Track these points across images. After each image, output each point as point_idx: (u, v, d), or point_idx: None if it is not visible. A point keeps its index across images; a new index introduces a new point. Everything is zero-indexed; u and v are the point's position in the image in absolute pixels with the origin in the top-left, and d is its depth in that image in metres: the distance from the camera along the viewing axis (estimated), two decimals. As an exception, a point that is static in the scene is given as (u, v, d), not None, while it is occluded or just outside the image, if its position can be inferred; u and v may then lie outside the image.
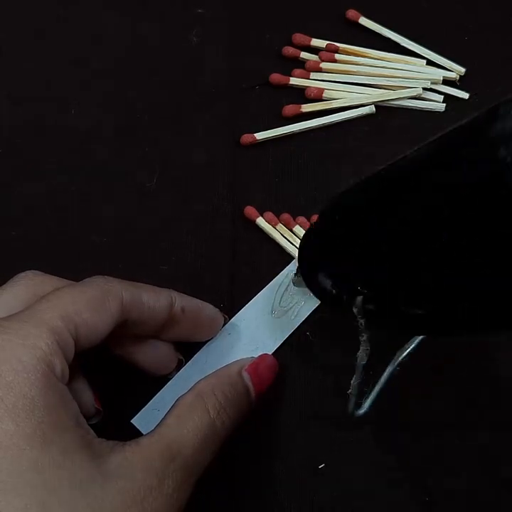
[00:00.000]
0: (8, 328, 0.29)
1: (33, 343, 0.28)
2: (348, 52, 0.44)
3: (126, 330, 0.33)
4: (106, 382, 0.35)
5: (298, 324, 0.39)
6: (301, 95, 0.44)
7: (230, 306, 0.40)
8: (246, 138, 0.43)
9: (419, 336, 0.32)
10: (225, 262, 0.41)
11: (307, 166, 0.43)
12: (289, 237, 0.41)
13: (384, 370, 0.32)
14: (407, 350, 0.32)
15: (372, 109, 0.43)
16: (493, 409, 0.38)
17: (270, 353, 0.38)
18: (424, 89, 0.43)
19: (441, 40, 0.44)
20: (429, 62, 0.44)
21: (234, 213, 0.42)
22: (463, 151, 0.22)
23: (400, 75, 0.44)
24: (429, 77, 0.44)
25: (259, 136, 0.43)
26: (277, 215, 0.41)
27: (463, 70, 0.44)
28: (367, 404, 0.32)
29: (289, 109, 0.43)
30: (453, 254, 0.23)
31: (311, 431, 0.38)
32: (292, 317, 0.39)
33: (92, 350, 0.32)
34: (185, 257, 0.41)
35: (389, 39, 0.45)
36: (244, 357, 0.37)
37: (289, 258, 0.41)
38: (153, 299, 0.34)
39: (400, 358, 0.32)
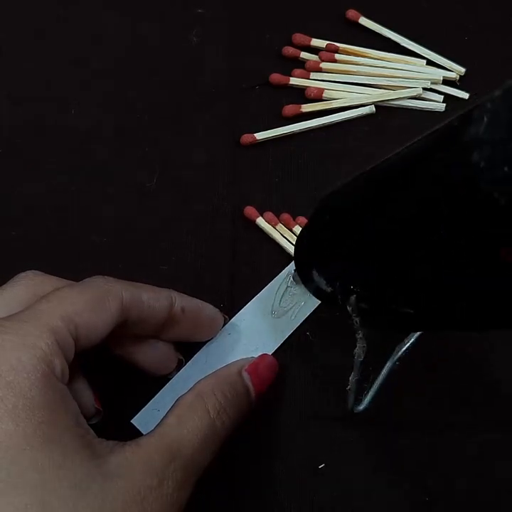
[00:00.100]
0: (8, 328, 0.29)
1: (33, 343, 0.28)
2: (348, 52, 0.44)
3: (126, 330, 0.33)
4: (106, 382, 0.35)
5: (298, 324, 0.39)
6: (301, 95, 0.44)
7: (230, 306, 0.40)
8: (246, 138, 0.43)
9: (415, 332, 0.32)
10: (225, 262, 0.41)
11: (307, 166, 0.43)
12: (289, 237, 0.41)
13: (383, 366, 0.32)
14: (407, 345, 0.32)
15: (372, 109, 0.43)
16: (493, 410, 0.38)
17: (270, 353, 0.38)
18: (424, 89, 0.43)
19: (441, 40, 0.44)
20: (429, 62, 0.44)
21: (234, 213, 0.42)
22: (438, 155, 0.22)
23: (400, 75, 0.44)
24: (429, 77, 0.44)
25: (259, 136, 0.43)
26: (277, 215, 0.41)
27: (463, 70, 0.44)
28: (366, 400, 0.32)
29: (289, 109, 0.43)
30: (437, 254, 0.23)
31: (311, 431, 0.38)
32: (292, 317, 0.39)
33: (92, 350, 0.32)
34: (185, 257, 0.41)
35: (389, 39, 0.45)
36: (244, 357, 0.37)
37: (289, 258, 0.41)
38: (153, 299, 0.34)
39: (399, 353, 0.32)
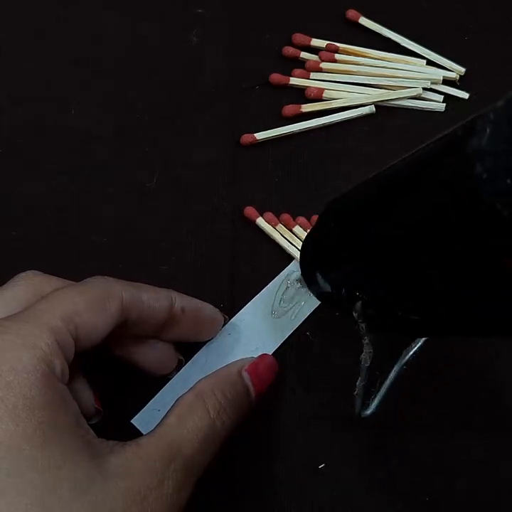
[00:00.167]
0: (9, 328, 0.29)
1: (33, 343, 0.28)
2: (348, 52, 0.44)
3: (126, 330, 0.33)
4: (106, 382, 0.35)
5: (298, 324, 0.39)
6: (301, 95, 0.44)
7: (230, 306, 0.40)
8: (246, 138, 0.43)
9: (421, 338, 0.32)
10: (225, 262, 0.41)
11: (307, 166, 0.43)
12: (289, 238, 0.41)
13: (390, 370, 0.32)
14: (414, 349, 0.32)
15: (372, 109, 0.43)
16: (493, 410, 0.38)
17: (270, 353, 0.38)
18: (424, 89, 0.43)
19: (441, 40, 0.44)
20: (429, 62, 0.44)
21: (234, 213, 0.42)
22: (441, 165, 0.22)
23: (400, 75, 0.44)
24: (429, 77, 0.44)
25: (259, 136, 0.43)
26: (277, 215, 0.41)
27: (463, 70, 0.44)
28: (374, 404, 0.32)
29: (289, 109, 0.43)
30: (442, 262, 0.23)
31: (311, 431, 0.38)
32: (292, 317, 0.39)
33: (92, 350, 0.32)
34: (185, 257, 0.41)
35: (389, 39, 0.45)
36: (244, 357, 0.37)
37: (289, 258, 0.41)
38: (153, 299, 0.34)
39: (406, 358, 0.32)
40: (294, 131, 0.43)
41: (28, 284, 0.33)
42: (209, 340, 0.39)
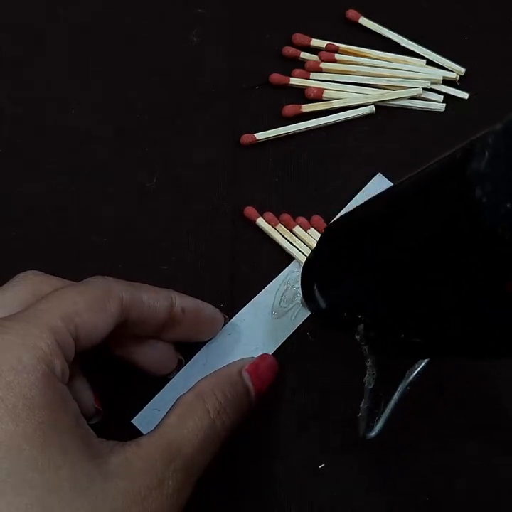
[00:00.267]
0: (9, 328, 0.29)
1: (33, 343, 0.28)
2: (348, 52, 0.44)
3: (127, 330, 0.33)
4: (106, 382, 0.35)
5: (298, 324, 0.39)
6: (301, 95, 0.44)
7: (230, 306, 0.40)
8: (246, 138, 0.43)
9: (424, 359, 0.32)
10: (225, 262, 0.41)
11: (307, 166, 0.43)
12: (289, 238, 0.41)
13: (394, 391, 0.32)
14: (417, 370, 0.32)
15: (372, 109, 0.43)
16: (498, 429, 0.38)
17: (270, 353, 0.38)
18: (424, 89, 0.43)
19: (441, 40, 0.44)
20: (429, 62, 0.44)
21: (234, 213, 0.42)
22: (442, 188, 0.22)
23: (400, 75, 0.44)
24: (429, 77, 0.44)
25: (259, 136, 0.43)
26: (277, 215, 0.41)
27: (463, 70, 0.44)
28: (378, 426, 0.32)
29: (289, 109, 0.43)
30: (444, 285, 0.23)
31: (311, 431, 0.38)
32: (292, 317, 0.39)
33: (92, 350, 0.32)
34: (185, 257, 0.41)
35: (389, 39, 0.45)
36: (245, 357, 0.37)
37: (289, 258, 0.41)
38: (153, 299, 0.34)
39: (410, 378, 0.32)
40: (294, 131, 0.43)
41: (28, 284, 0.33)
42: (209, 340, 0.39)
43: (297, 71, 0.44)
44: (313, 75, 0.44)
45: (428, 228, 0.23)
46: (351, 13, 0.45)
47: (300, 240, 0.41)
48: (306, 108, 0.43)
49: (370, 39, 0.45)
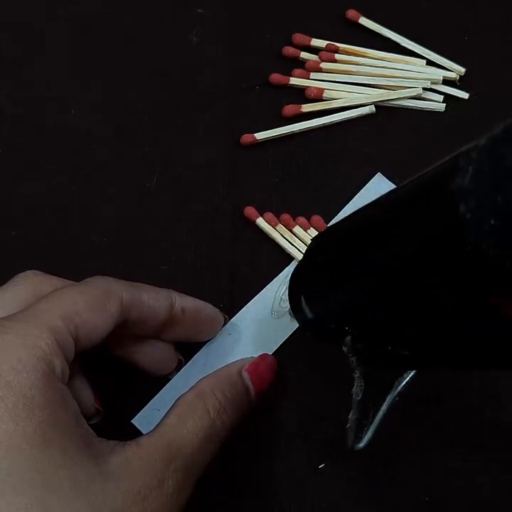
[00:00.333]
0: (9, 328, 0.29)
1: (33, 343, 0.28)
2: (348, 52, 0.44)
3: (127, 330, 0.33)
4: (106, 382, 0.35)
5: (298, 324, 0.39)
6: (301, 95, 0.44)
7: (230, 306, 0.40)
8: (246, 138, 0.43)
9: (412, 370, 0.32)
10: (225, 262, 0.41)
11: (307, 166, 0.43)
12: (289, 238, 0.41)
13: (382, 402, 0.32)
14: (406, 380, 0.32)
15: (372, 109, 0.43)
16: (494, 411, 0.38)
17: (270, 353, 0.38)
18: (424, 89, 0.43)
19: (441, 40, 0.44)
20: (429, 62, 0.44)
21: (234, 213, 0.42)
22: (426, 204, 0.22)
23: (400, 75, 0.44)
24: (429, 77, 0.44)
25: (259, 136, 0.43)
26: (277, 215, 0.41)
27: (463, 70, 0.44)
28: (367, 437, 0.32)
29: (289, 109, 0.43)
30: (430, 299, 0.23)
31: (311, 431, 0.38)
32: (292, 318, 0.39)
33: (92, 350, 0.32)
34: (185, 257, 0.41)
35: (389, 39, 0.45)
36: (245, 357, 0.37)
37: (289, 258, 0.41)
38: (153, 299, 0.34)
39: (398, 389, 0.32)
40: (294, 131, 0.43)
41: (28, 284, 0.33)
42: (209, 340, 0.39)
43: (297, 71, 0.44)
44: (313, 75, 0.44)
45: (414, 243, 0.22)
46: (351, 13, 0.45)
47: (300, 240, 0.41)
48: (306, 108, 0.43)
49: (370, 39, 0.45)
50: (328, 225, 0.41)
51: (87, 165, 0.43)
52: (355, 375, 0.30)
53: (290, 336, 0.39)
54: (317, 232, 0.41)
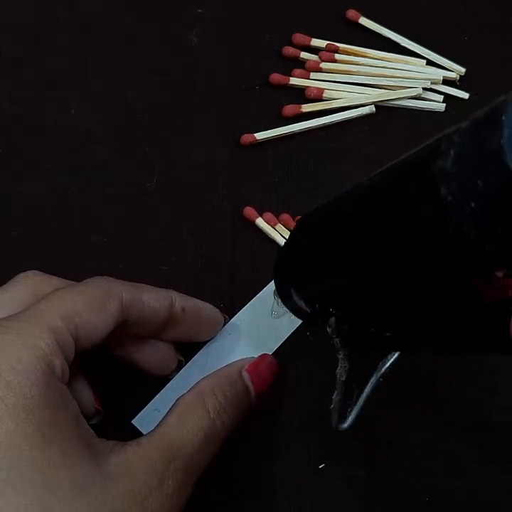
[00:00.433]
0: (9, 328, 0.29)
1: (33, 343, 0.28)
2: (348, 52, 0.44)
3: (127, 330, 0.33)
4: (106, 382, 0.35)
5: (298, 324, 0.39)
6: (301, 95, 0.44)
7: (230, 306, 0.40)
8: (246, 138, 0.43)
9: (396, 352, 0.32)
10: (225, 262, 0.41)
11: (307, 166, 0.43)
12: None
13: (366, 383, 0.32)
14: (390, 361, 0.32)
15: (372, 109, 0.43)
16: (493, 411, 0.38)
17: (270, 353, 0.38)
18: (424, 89, 0.43)
19: (441, 40, 0.44)
20: (429, 62, 0.44)
21: (234, 213, 0.42)
22: (409, 185, 0.22)
23: (400, 75, 0.44)
24: (429, 77, 0.44)
25: (259, 136, 0.43)
26: (277, 215, 0.41)
27: (463, 70, 0.44)
28: (351, 417, 0.32)
29: (289, 109, 0.43)
30: (413, 280, 0.23)
31: (311, 431, 0.38)
32: (292, 317, 0.39)
33: (92, 350, 0.32)
34: (185, 257, 0.41)
35: (389, 39, 0.45)
36: (245, 357, 0.37)
37: (289, 258, 0.41)
38: (154, 299, 0.34)
39: (382, 370, 0.32)
40: (294, 131, 0.43)
41: (28, 284, 0.33)
42: (209, 340, 0.39)
43: (297, 71, 0.44)
44: (313, 75, 0.44)
45: (398, 224, 0.22)
46: (351, 13, 0.45)
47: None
48: (306, 108, 0.43)
49: (370, 39, 0.45)
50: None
51: (87, 165, 0.43)
52: (339, 356, 0.30)
53: (290, 335, 0.39)
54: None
